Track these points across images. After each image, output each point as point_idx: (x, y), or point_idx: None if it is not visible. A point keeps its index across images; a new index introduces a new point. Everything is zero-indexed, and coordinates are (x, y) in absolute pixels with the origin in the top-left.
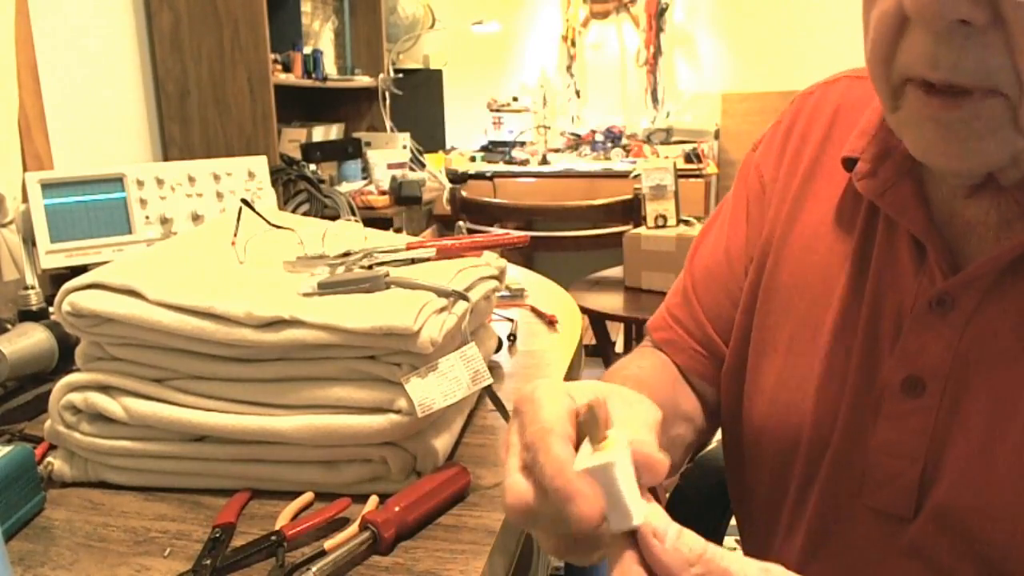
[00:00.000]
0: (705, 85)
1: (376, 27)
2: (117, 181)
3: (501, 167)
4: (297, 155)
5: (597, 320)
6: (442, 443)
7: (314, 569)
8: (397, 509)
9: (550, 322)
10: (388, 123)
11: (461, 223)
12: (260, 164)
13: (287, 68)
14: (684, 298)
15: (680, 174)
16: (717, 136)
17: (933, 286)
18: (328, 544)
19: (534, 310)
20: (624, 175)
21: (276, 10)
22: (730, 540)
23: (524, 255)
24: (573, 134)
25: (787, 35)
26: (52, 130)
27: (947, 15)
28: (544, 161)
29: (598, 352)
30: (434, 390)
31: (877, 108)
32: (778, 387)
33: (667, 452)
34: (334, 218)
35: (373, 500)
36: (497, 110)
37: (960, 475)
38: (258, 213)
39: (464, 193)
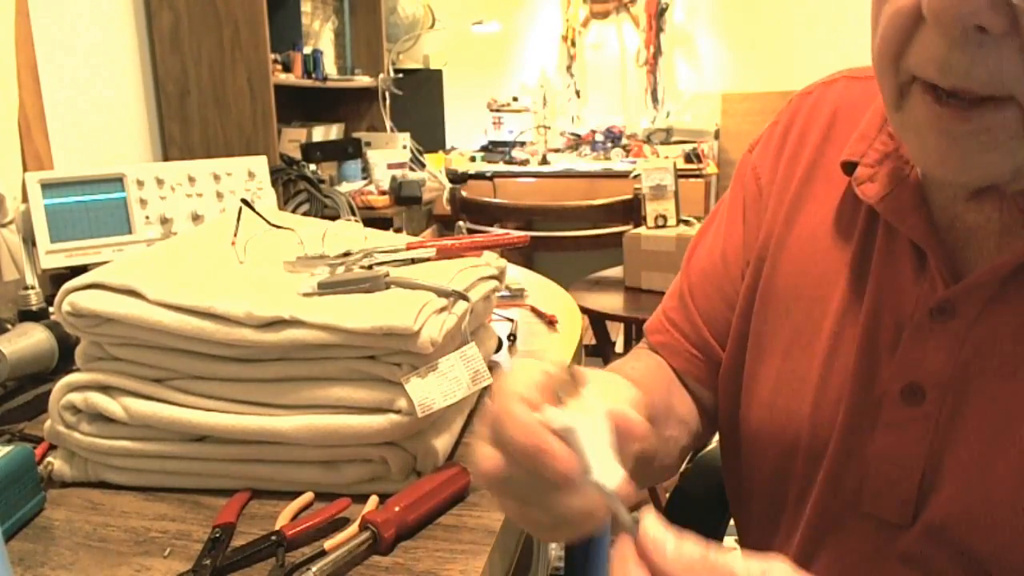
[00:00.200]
0: (705, 85)
1: (376, 27)
2: (117, 181)
3: (501, 167)
4: (297, 155)
5: (597, 320)
6: (442, 443)
7: (314, 569)
8: (397, 509)
9: (550, 322)
10: (388, 123)
11: (461, 223)
12: (260, 164)
13: (287, 68)
14: (680, 301)
15: (680, 174)
16: (717, 136)
17: (934, 294)
18: (328, 544)
19: (534, 310)
20: (624, 175)
21: (276, 10)
22: (730, 540)
23: (524, 255)
24: (573, 134)
25: (787, 35)
26: (52, 130)
27: (966, 21)
28: (544, 161)
29: (598, 352)
30: (434, 390)
31: (877, 110)
32: (775, 392)
33: (657, 449)
34: (334, 218)
35: (373, 500)
36: (497, 110)
37: (959, 485)
38: (258, 213)
39: (464, 193)
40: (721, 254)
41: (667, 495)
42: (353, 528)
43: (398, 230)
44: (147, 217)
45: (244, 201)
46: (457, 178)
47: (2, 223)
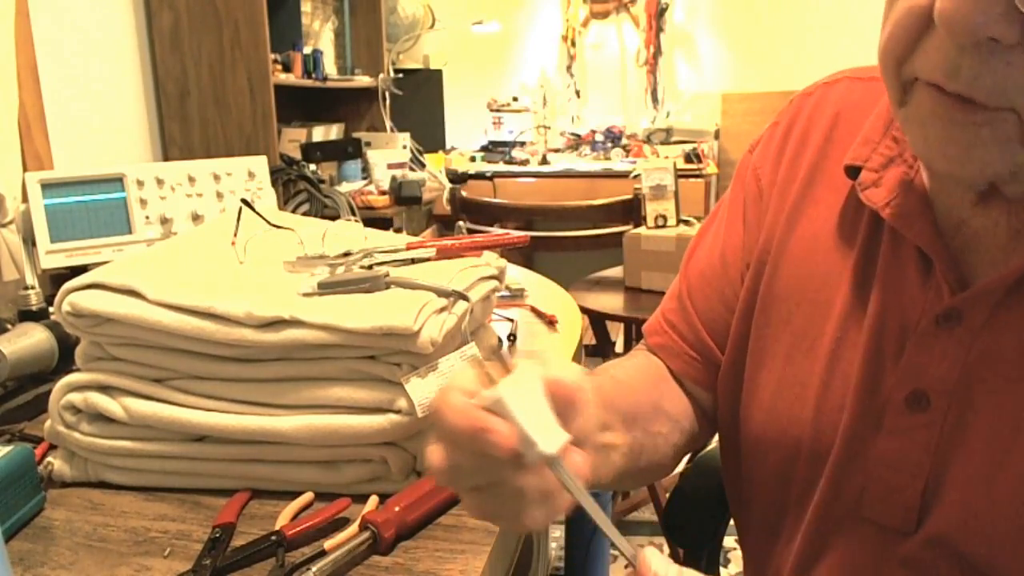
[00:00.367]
0: (705, 85)
1: (376, 27)
2: (117, 181)
3: (501, 167)
4: (297, 155)
5: (597, 320)
6: None
7: (314, 569)
8: (397, 509)
9: (550, 322)
10: (388, 123)
11: (461, 223)
12: (260, 164)
13: (287, 68)
14: (679, 303)
15: (680, 174)
16: (717, 136)
17: (940, 301)
18: (328, 544)
19: (534, 310)
20: (624, 175)
21: (276, 10)
22: (730, 540)
23: (524, 255)
24: (573, 134)
25: (787, 35)
26: (52, 130)
27: (978, 31)
28: (544, 161)
29: (598, 352)
30: (434, 390)
31: (881, 114)
32: (776, 396)
33: (644, 444)
34: (334, 218)
35: (373, 500)
36: (497, 110)
37: (963, 493)
38: (258, 213)
39: (464, 193)
40: (720, 256)
41: (667, 495)
42: (353, 528)
43: (398, 230)
44: (147, 217)
45: (244, 201)
46: (457, 178)
47: (2, 223)
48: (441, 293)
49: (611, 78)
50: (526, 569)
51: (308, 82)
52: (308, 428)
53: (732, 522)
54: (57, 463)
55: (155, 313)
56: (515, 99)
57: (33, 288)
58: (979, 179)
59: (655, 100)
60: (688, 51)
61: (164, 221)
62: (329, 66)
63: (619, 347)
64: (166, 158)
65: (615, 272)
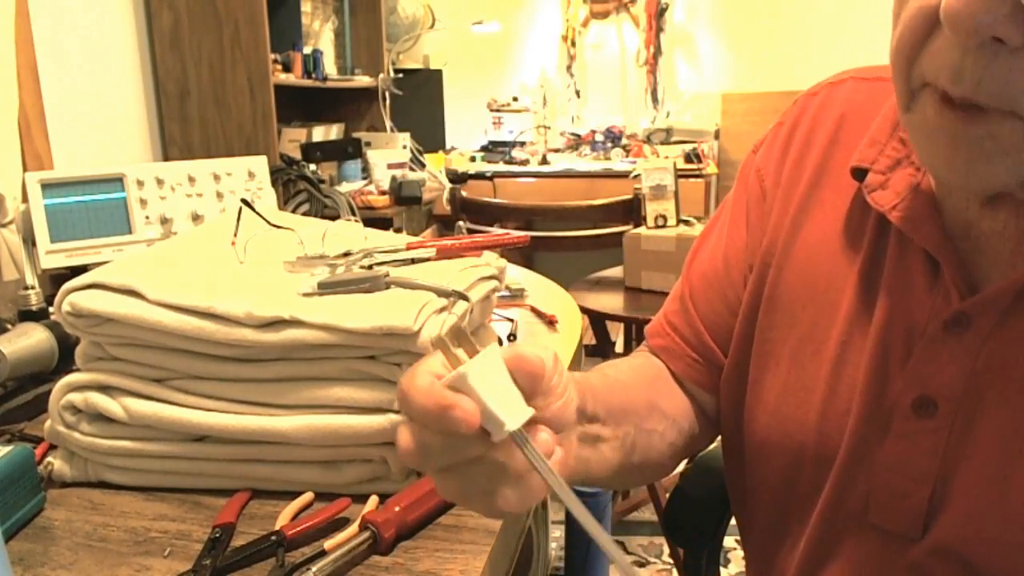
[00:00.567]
0: (705, 85)
1: (376, 27)
2: (117, 181)
3: (501, 167)
4: (297, 155)
5: (597, 320)
6: None
7: (314, 569)
8: (397, 509)
9: (550, 322)
10: (388, 123)
11: (461, 223)
12: (260, 164)
13: (287, 68)
14: (681, 305)
15: (680, 174)
16: (717, 136)
17: (949, 306)
18: (328, 544)
19: (534, 310)
20: (624, 175)
21: (276, 10)
22: (730, 540)
23: (524, 255)
24: (573, 134)
25: (787, 35)
26: (52, 130)
27: (982, 33)
28: (544, 161)
29: (598, 352)
30: None
31: (887, 115)
32: (781, 399)
33: (636, 440)
34: (334, 218)
35: (373, 500)
36: (497, 110)
37: (971, 500)
38: (258, 213)
39: (464, 193)
40: (723, 258)
41: (667, 495)
42: (353, 528)
43: (398, 230)
44: (147, 217)
45: (244, 201)
46: (457, 178)
47: (2, 223)
48: (441, 293)
49: (611, 78)
50: (526, 569)
51: (308, 82)
52: (308, 428)
53: (732, 522)
54: (57, 463)
55: (155, 313)
56: (515, 99)
57: (33, 288)
58: (984, 190)
59: (655, 100)
60: (688, 51)
61: (164, 221)
62: (329, 66)
63: (619, 347)
64: (166, 158)
65: (615, 272)
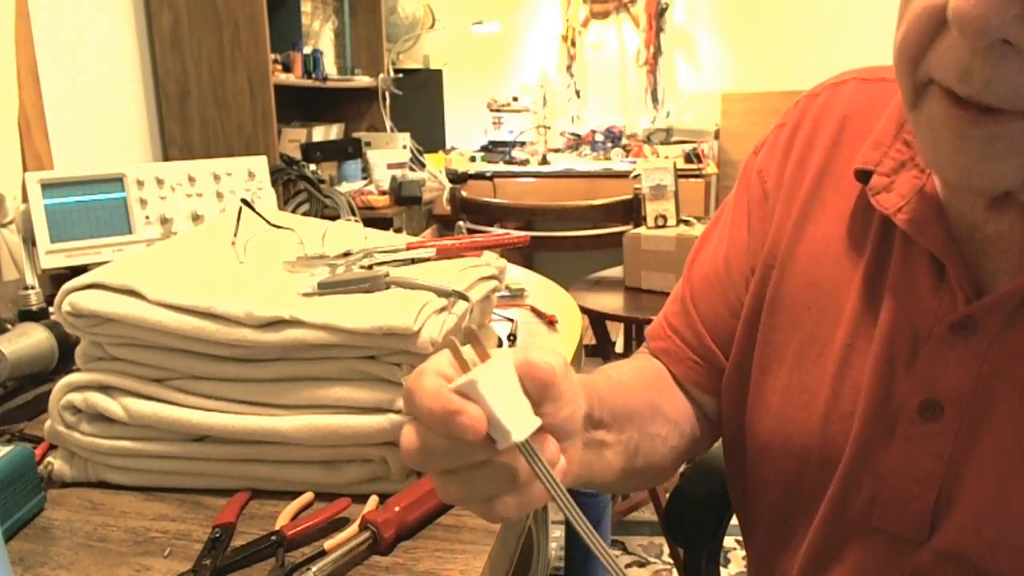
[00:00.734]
0: (705, 85)
1: (376, 27)
2: (117, 181)
3: (501, 167)
4: (297, 155)
5: (597, 320)
6: None
7: (314, 569)
8: (397, 509)
9: (550, 322)
10: (388, 123)
11: (461, 223)
12: (260, 164)
13: (287, 68)
14: (682, 307)
15: (680, 174)
16: (717, 136)
17: (955, 309)
18: (328, 544)
19: (534, 310)
20: (624, 175)
21: (276, 10)
22: (730, 540)
23: (524, 255)
24: (573, 134)
25: (787, 35)
26: (52, 130)
27: (992, 33)
28: (544, 161)
29: (598, 352)
30: None
31: (892, 116)
32: (784, 402)
33: (639, 444)
34: (334, 218)
35: (373, 500)
36: (497, 110)
37: (977, 504)
38: (258, 213)
39: (464, 193)
40: (724, 260)
41: (667, 495)
42: (353, 528)
43: (398, 230)
44: (147, 217)
45: (244, 201)
46: (457, 178)
47: (2, 223)
48: (441, 293)
49: (611, 78)
50: (526, 569)
51: (308, 82)
52: (308, 428)
53: (732, 522)
54: (57, 463)
55: (155, 313)
56: (515, 99)
57: (33, 288)
58: (990, 190)
59: (655, 100)
60: (688, 51)
61: (164, 221)
62: (329, 66)
63: (619, 347)
64: (166, 158)
65: (615, 272)
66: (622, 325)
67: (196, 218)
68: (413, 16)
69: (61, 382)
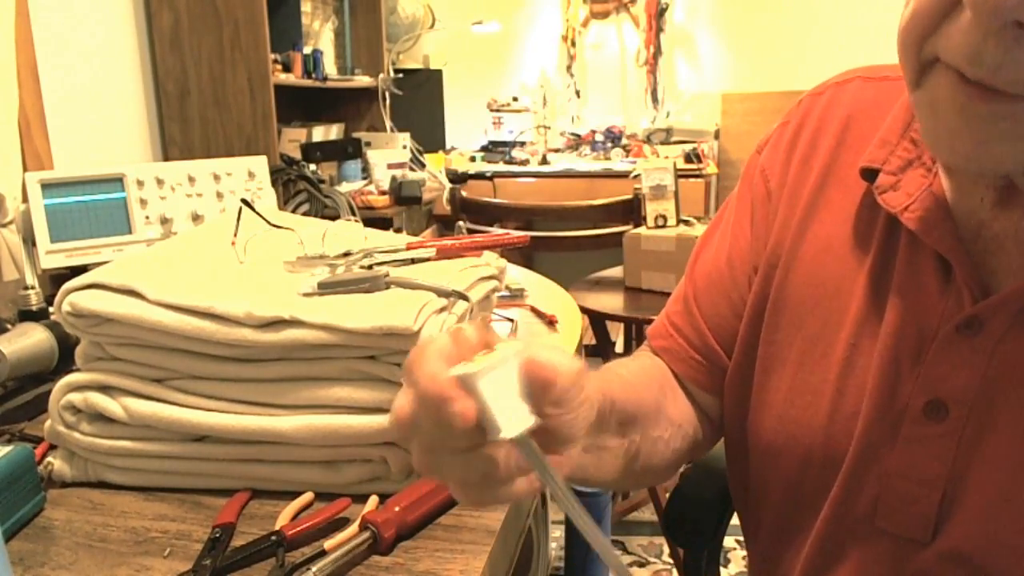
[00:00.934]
0: (705, 85)
1: (376, 27)
2: (117, 181)
3: (501, 167)
4: (297, 155)
5: (597, 320)
6: None
7: (314, 569)
8: (397, 509)
9: (550, 322)
10: (388, 123)
11: (461, 223)
12: (260, 164)
13: (287, 68)
14: (684, 306)
15: (680, 174)
16: (717, 136)
17: (961, 309)
18: (328, 544)
19: (534, 310)
20: (624, 175)
21: (276, 10)
22: (730, 540)
23: (524, 255)
24: (573, 134)
25: (787, 35)
26: (52, 130)
27: (1006, 15)
28: (544, 161)
29: (598, 352)
30: None
31: (898, 115)
32: (787, 402)
33: (640, 447)
34: (334, 218)
35: (373, 500)
36: (497, 110)
37: (982, 506)
38: (258, 213)
39: (464, 193)
40: (727, 259)
41: (667, 495)
42: (353, 528)
43: (398, 230)
44: (147, 217)
45: (244, 201)
46: (457, 178)
47: (2, 223)
48: (441, 293)
49: (611, 78)
50: (526, 569)
51: (308, 82)
52: (308, 428)
53: (732, 522)
54: (57, 463)
55: (155, 313)
56: (515, 99)
57: (33, 288)
58: (989, 172)
59: (655, 100)
60: (688, 51)
61: (164, 221)
62: (329, 66)
63: (619, 347)
64: (166, 158)
65: (615, 272)
66: (622, 325)
67: (196, 218)
68: (413, 16)
69: (61, 382)
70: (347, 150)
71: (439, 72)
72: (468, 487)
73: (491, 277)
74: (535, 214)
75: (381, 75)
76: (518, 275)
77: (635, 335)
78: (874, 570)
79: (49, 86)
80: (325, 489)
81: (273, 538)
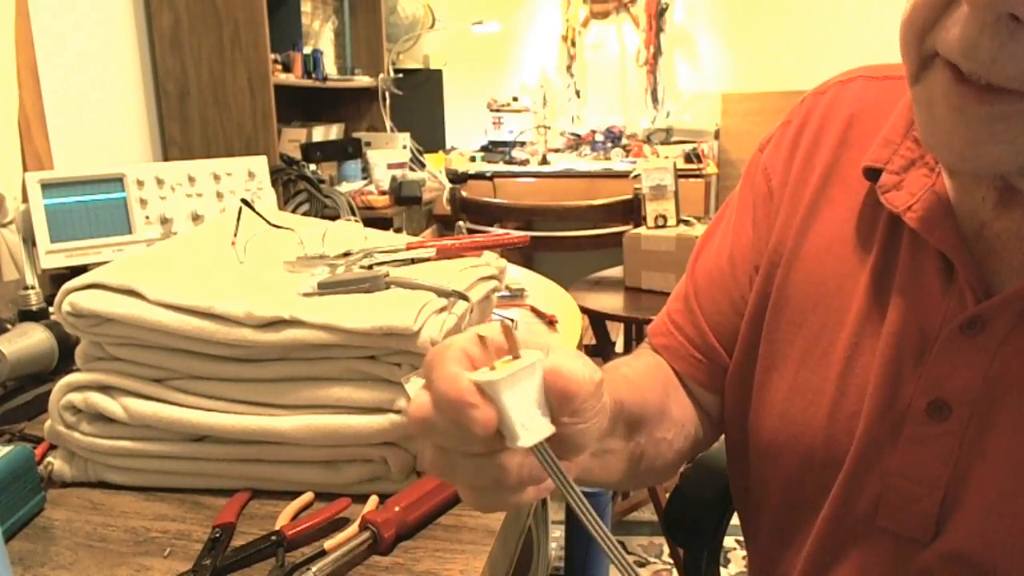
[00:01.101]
0: (705, 85)
1: (376, 27)
2: (117, 181)
3: (501, 167)
4: (297, 155)
5: (597, 320)
6: None
7: (314, 569)
8: (397, 509)
9: (550, 322)
10: (388, 123)
11: (461, 223)
12: (260, 164)
13: (287, 68)
14: (685, 304)
15: (680, 174)
16: (717, 136)
17: (963, 309)
18: (328, 544)
19: (534, 310)
20: (624, 175)
21: (276, 10)
22: (730, 540)
23: (524, 255)
24: (573, 134)
25: (787, 35)
26: (52, 130)
27: (1001, 7)
28: (544, 161)
29: (598, 352)
30: None
31: (901, 114)
32: (788, 401)
33: (645, 450)
34: (334, 218)
35: (373, 500)
36: (497, 110)
37: (984, 506)
38: (258, 213)
39: (464, 193)
40: (729, 257)
41: (667, 495)
42: (353, 528)
43: (398, 230)
44: (147, 217)
45: (244, 201)
46: (457, 178)
47: (2, 223)
48: (441, 293)
49: (611, 78)
50: (526, 569)
51: (308, 82)
52: (308, 428)
53: (732, 522)
54: (57, 463)
55: (155, 313)
56: (515, 99)
57: (33, 288)
58: (986, 172)
59: (655, 100)
60: (688, 51)
61: (164, 221)
62: (329, 66)
63: (619, 347)
64: (166, 158)
65: (615, 272)
66: (622, 325)
67: (196, 218)
68: (413, 16)
69: (61, 382)
70: (347, 150)
71: (439, 72)
72: (478, 491)
73: (491, 277)
74: (535, 214)
75: (381, 75)
76: (518, 275)
77: (635, 335)
78: (875, 570)
79: (49, 86)
80: (325, 489)
81: (273, 538)
